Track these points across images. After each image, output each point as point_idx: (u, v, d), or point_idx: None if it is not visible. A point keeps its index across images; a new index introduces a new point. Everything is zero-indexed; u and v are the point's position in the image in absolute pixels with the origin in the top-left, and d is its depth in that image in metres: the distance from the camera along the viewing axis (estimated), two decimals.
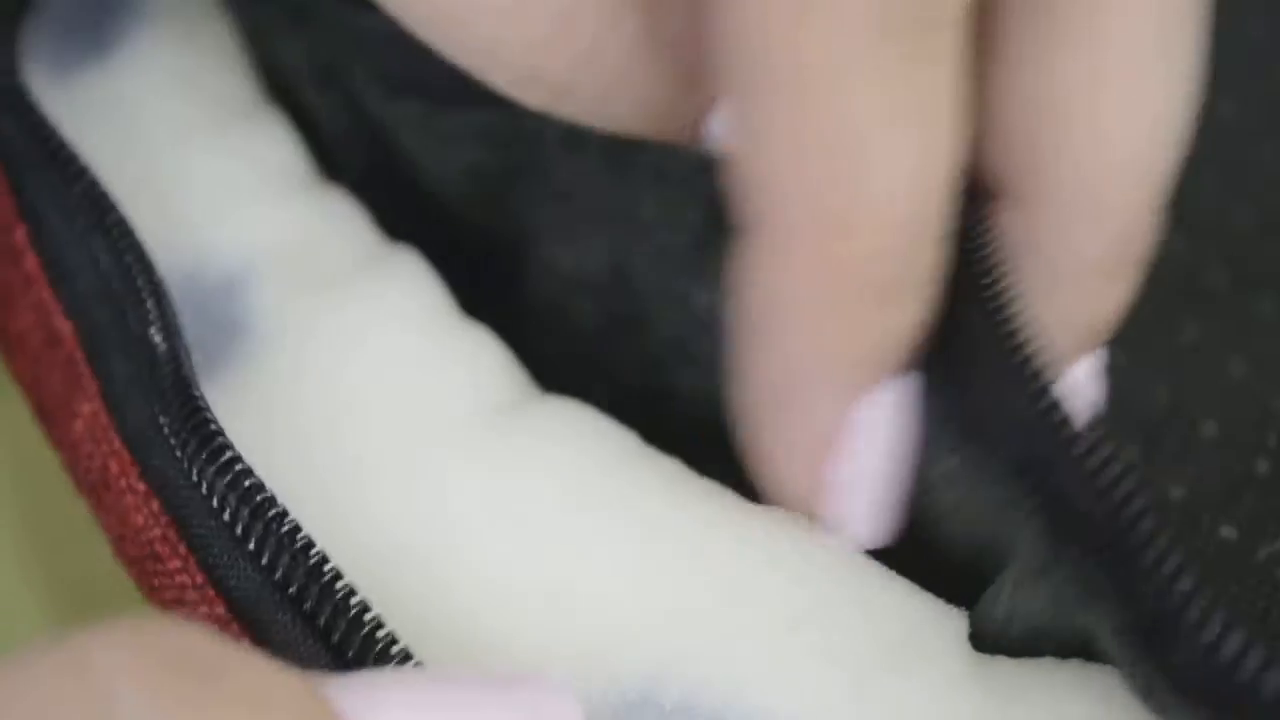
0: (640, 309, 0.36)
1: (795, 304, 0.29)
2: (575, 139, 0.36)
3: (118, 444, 0.31)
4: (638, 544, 0.30)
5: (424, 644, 0.28)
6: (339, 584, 0.28)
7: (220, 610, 0.29)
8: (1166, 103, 0.30)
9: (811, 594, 0.29)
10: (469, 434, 0.31)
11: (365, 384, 0.32)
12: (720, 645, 0.29)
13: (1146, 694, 0.26)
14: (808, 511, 0.30)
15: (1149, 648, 0.25)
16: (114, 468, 0.31)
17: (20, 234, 0.33)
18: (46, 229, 0.33)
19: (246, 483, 0.29)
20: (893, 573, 0.30)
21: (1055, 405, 0.27)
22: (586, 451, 0.31)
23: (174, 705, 0.23)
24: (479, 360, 0.33)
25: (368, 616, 0.28)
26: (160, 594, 0.31)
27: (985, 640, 0.29)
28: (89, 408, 0.31)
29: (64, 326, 0.32)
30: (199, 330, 0.33)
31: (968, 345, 0.29)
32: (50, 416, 0.33)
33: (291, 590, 0.28)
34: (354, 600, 0.28)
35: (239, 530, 0.28)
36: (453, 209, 0.37)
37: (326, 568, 0.28)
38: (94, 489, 0.32)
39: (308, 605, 0.28)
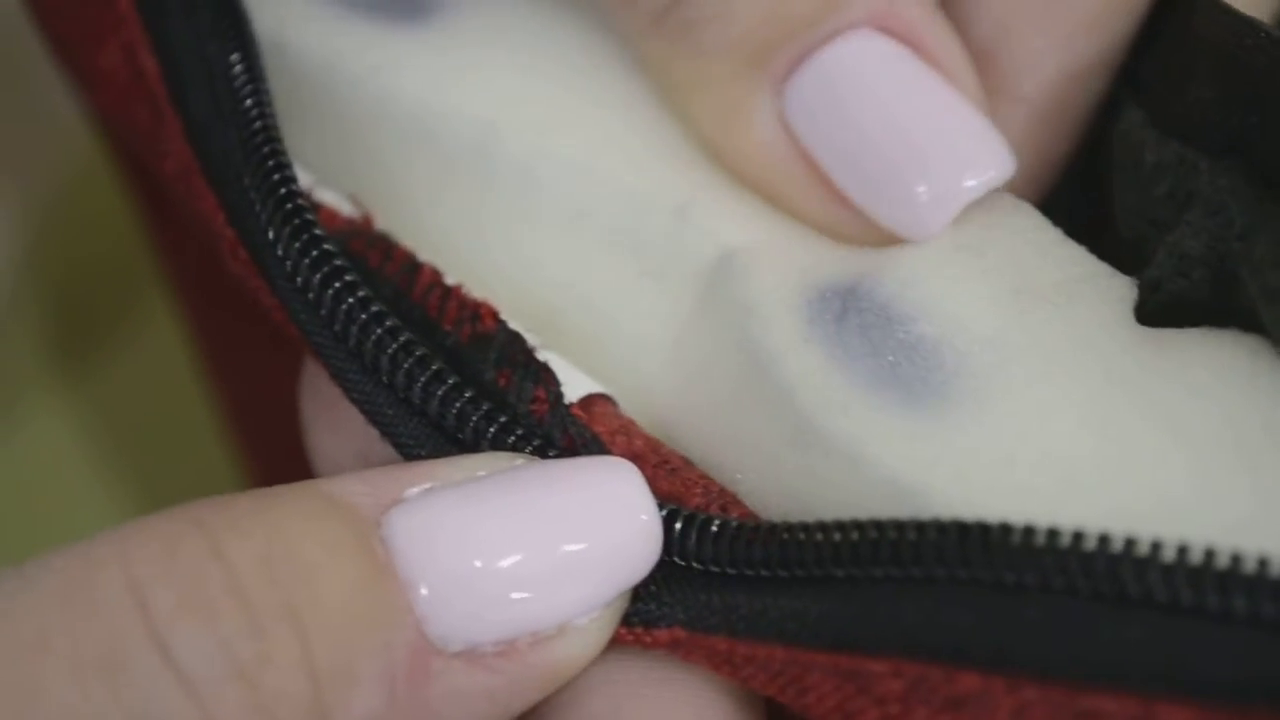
0: None
1: None
2: None
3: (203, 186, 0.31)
4: None
5: None
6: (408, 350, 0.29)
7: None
8: None
9: (996, 228, 0.30)
10: None
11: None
12: (907, 255, 0.29)
13: None
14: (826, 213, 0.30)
15: None
16: (204, 208, 0.30)
17: None
18: None
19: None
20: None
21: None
22: None
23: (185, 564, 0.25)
24: None
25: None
26: None
27: (1148, 309, 0.29)
28: (174, 145, 0.31)
29: (149, 63, 0.31)
30: None
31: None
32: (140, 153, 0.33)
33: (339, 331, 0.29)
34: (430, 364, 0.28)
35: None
36: None
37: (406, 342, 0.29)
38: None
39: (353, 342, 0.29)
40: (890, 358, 0.28)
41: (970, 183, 0.29)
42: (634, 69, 0.31)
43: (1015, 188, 0.31)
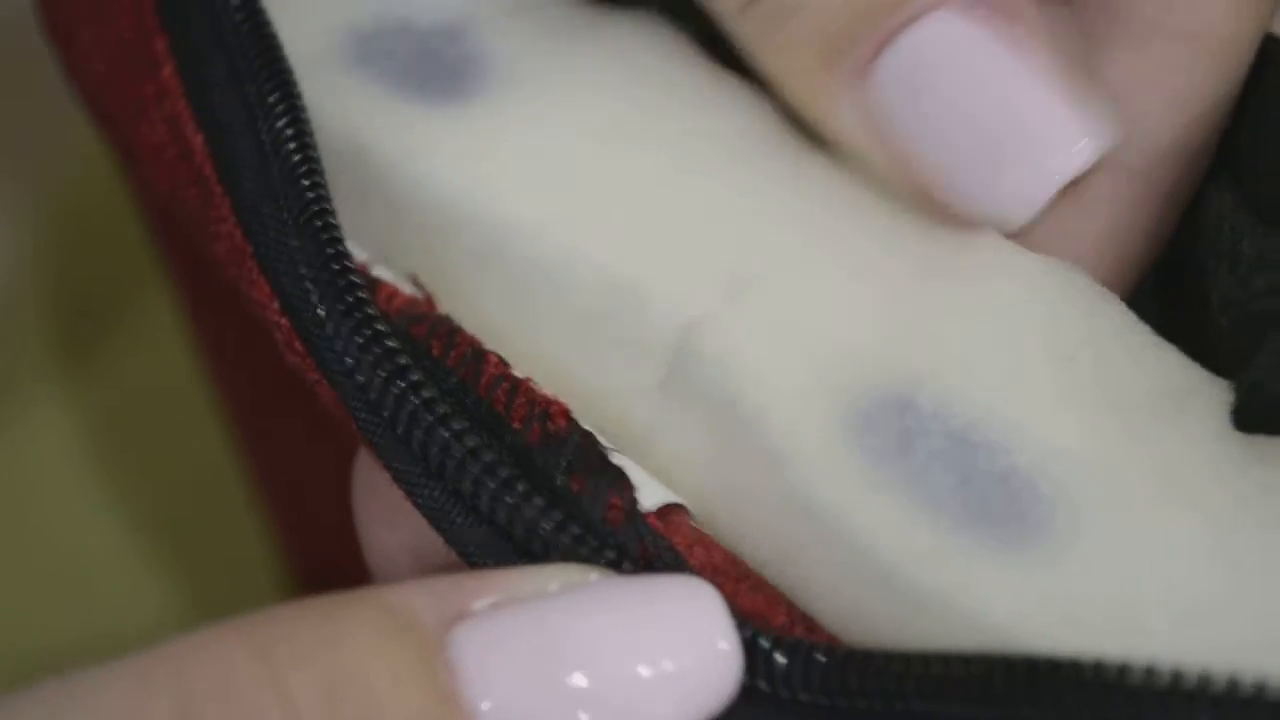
0: None
1: None
2: None
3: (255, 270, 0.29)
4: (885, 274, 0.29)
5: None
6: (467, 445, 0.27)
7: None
8: None
9: (1086, 329, 0.28)
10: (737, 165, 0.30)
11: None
12: (984, 362, 0.28)
13: None
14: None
15: None
16: (256, 295, 0.29)
17: (161, 43, 0.31)
18: (186, 38, 0.30)
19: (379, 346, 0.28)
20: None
21: None
22: None
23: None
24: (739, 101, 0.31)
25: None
26: None
27: (1248, 413, 0.27)
28: (225, 227, 0.29)
29: (195, 139, 0.30)
30: (416, 74, 0.31)
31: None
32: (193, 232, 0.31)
33: (402, 434, 0.27)
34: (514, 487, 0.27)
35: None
36: None
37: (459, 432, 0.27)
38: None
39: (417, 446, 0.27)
40: (979, 492, 0.26)
41: (1054, 166, 0.28)
42: (689, 163, 0.30)
43: (1123, 271, 0.30)
